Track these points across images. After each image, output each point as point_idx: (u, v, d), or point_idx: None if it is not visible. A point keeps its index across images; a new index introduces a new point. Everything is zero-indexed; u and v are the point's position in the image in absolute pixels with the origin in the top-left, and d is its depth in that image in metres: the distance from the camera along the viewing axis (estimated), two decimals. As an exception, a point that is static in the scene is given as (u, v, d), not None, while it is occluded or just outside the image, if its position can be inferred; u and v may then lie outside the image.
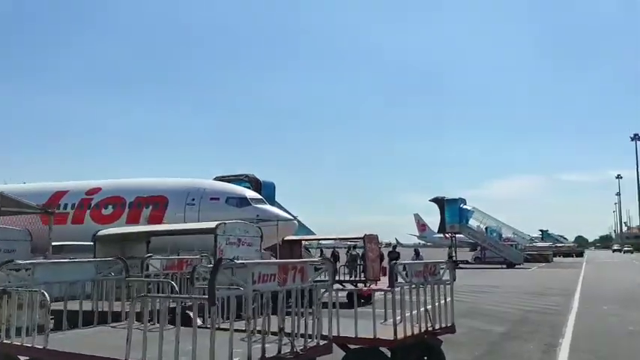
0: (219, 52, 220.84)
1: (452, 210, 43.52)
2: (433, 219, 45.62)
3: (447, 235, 46.39)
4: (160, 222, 18.42)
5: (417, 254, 21.31)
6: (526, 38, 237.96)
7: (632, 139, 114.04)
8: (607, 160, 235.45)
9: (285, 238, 17.59)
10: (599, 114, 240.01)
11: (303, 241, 20.81)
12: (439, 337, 6.05)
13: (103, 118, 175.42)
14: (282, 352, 4.26)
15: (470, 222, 45.25)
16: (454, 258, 42.85)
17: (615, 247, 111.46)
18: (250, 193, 24.64)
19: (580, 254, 74.72)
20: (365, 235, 16.07)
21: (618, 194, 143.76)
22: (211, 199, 20.11)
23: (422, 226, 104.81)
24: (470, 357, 8.16)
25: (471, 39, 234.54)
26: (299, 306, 4.55)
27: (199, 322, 4.27)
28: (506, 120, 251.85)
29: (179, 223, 17.33)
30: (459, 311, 13.87)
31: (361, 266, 17.15)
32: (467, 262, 44.99)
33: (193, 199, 20.02)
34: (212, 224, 11.14)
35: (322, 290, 4.85)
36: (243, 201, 23.63)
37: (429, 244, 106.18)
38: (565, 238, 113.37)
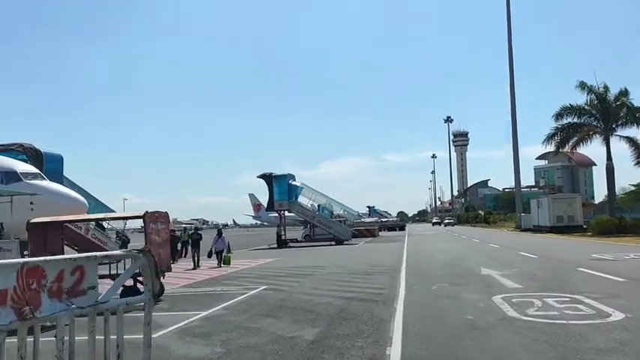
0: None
1: (280, 186, 41.11)
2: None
3: (280, 213, 44.11)
4: None
5: (220, 235, 17.72)
6: (359, 24, 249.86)
7: (445, 121, 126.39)
8: (424, 141, 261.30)
9: (33, 221, 12.58)
10: (418, 98, 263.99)
11: (69, 224, 15.91)
12: None
13: None
14: None
15: (301, 199, 43.42)
16: (283, 237, 40.59)
17: (434, 221, 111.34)
18: (24, 167, 20.59)
19: (402, 228, 78.98)
20: (146, 212, 11.86)
21: (433, 172, 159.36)
22: (-36, 174, 15.91)
23: (257, 205, 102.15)
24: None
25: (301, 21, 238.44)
26: None
27: None
28: (338, 102, 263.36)
29: None
30: (269, 306, 10.51)
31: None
32: (297, 241, 43.25)
33: None
34: None
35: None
36: (10, 176, 19.99)
37: (265, 223, 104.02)
38: (389, 214, 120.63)
